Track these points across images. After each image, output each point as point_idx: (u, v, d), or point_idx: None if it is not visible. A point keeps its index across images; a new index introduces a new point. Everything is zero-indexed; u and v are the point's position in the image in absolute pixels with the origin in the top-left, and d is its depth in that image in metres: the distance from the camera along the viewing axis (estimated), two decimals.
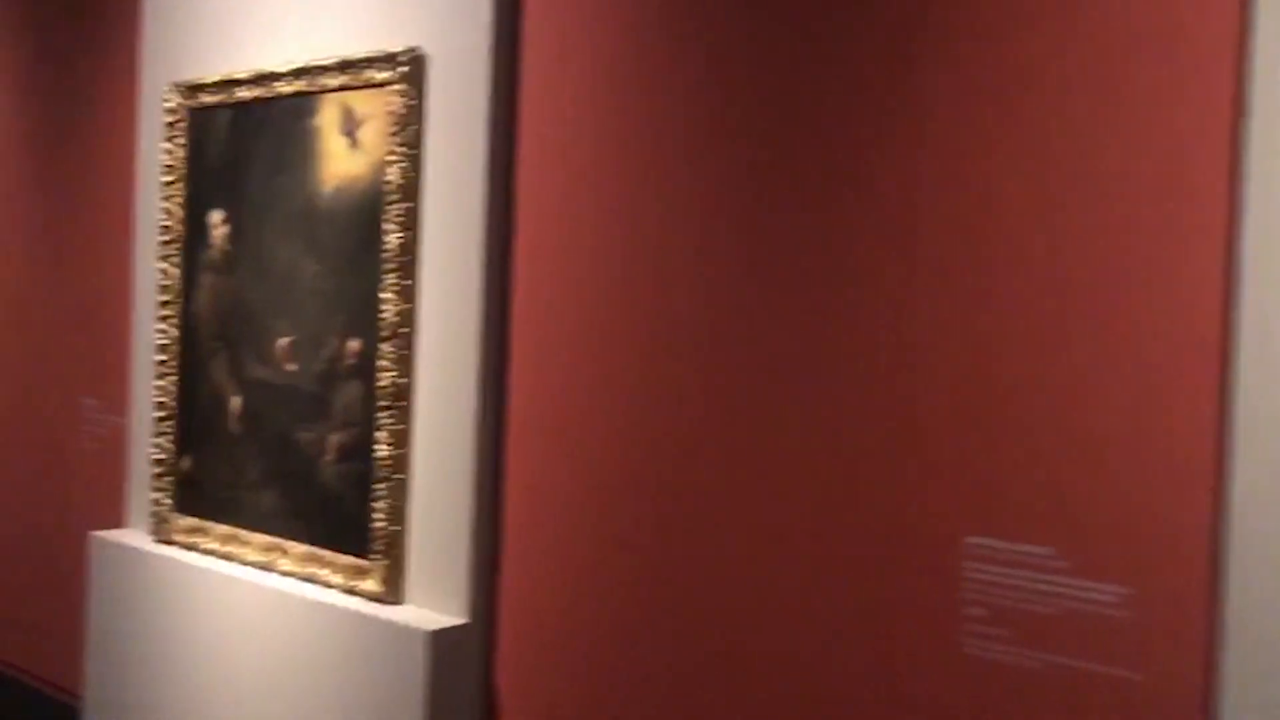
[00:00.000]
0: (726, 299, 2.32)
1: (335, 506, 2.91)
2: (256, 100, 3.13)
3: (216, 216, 3.25)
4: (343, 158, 2.91)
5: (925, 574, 2.03)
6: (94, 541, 3.49)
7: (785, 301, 2.23)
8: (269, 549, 3.06)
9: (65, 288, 4.04)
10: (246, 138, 3.17)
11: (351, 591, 2.85)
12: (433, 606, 2.73)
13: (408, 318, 2.77)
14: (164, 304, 3.37)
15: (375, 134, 2.84)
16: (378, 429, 2.80)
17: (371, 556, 2.81)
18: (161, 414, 3.38)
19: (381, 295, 2.79)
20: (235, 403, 3.18)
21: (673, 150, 2.41)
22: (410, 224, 2.76)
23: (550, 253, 2.61)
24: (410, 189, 2.76)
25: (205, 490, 3.27)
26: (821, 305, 2.18)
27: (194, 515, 3.29)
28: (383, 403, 2.79)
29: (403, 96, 2.76)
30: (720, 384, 2.32)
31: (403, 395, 2.77)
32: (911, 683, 2.04)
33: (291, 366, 3.03)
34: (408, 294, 2.76)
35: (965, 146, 2.01)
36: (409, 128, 2.75)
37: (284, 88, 3.05)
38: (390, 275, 2.78)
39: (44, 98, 4.17)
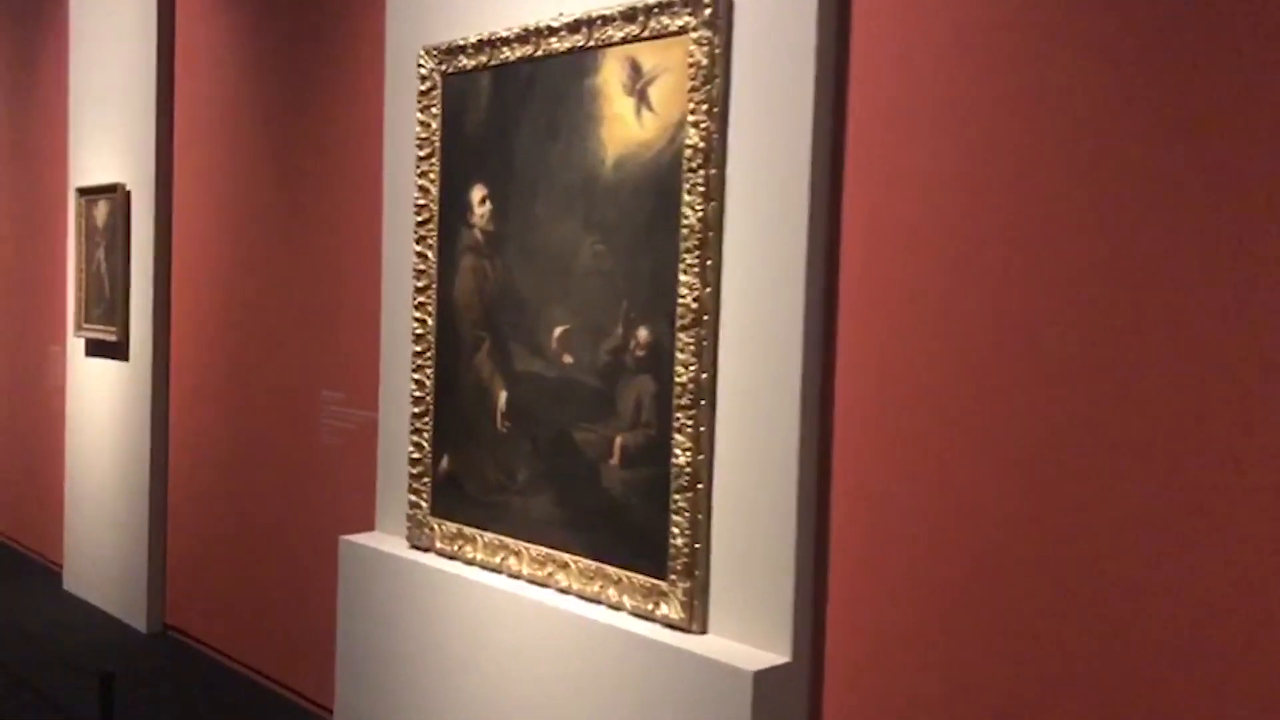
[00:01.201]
0: (1090, 285, 1.84)
1: (623, 517, 2.57)
2: (523, 60, 2.81)
3: (477, 193, 2.95)
4: (628, 121, 2.55)
5: None
6: (344, 546, 3.26)
7: (1148, 296, 1.75)
8: (544, 561, 2.75)
9: (306, 275, 3.84)
10: (511, 104, 2.85)
11: (645, 616, 2.50)
12: (742, 638, 2.35)
13: (710, 302, 2.39)
14: (419, 290, 3.09)
15: (669, 91, 2.46)
16: (675, 430, 2.44)
17: (670, 577, 2.45)
18: (418, 409, 3.11)
19: (680, 277, 2.42)
20: (501, 398, 2.88)
21: (1048, 123, 1.94)
22: (714, 194, 2.38)
23: (886, 225, 2.19)
24: (713, 153, 2.37)
25: (467, 493, 2.98)
26: (1190, 307, 1.69)
27: (455, 520, 3.01)
28: (681, 400, 2.42)
29: (704, 45, 2.37)
30: (1086, 374, 1.86)
31: (704, 392, 2.39)
32: None
33: (568, 358, 2.70)
34: (710, 275, 2.38)
35: None
36: (712, 82, 2.37)
37: (557, 44, 2.71)
38: (689, 254, 2.41)
39: (280, 76, 3.98)
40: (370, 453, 3.44)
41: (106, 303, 4.84)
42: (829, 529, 2.28)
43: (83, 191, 5.02)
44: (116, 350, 4.81)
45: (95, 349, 5.03)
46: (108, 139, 4.90)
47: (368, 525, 3.39)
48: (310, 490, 3.83)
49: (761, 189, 2.31)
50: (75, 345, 5.24)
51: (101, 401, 4.99)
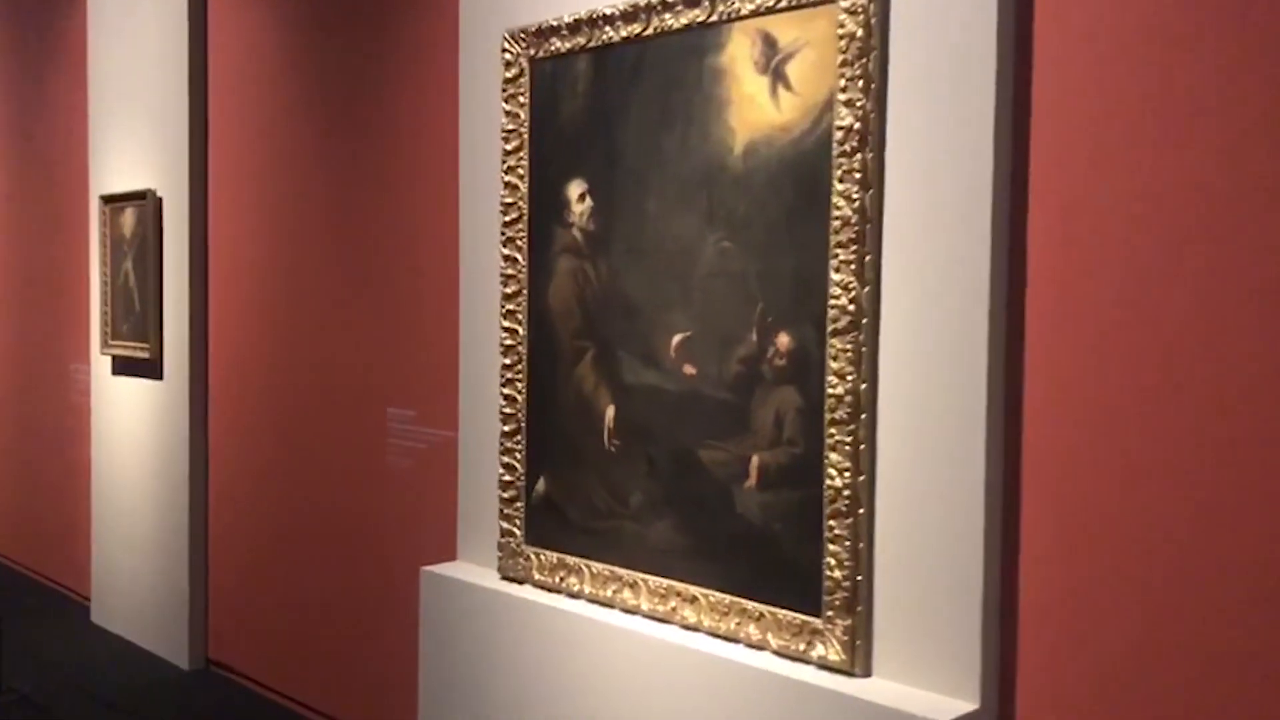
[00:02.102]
0: None
1: (763, 546, 2.30)
2: (630, 40, 2.53)
3: (575, 189, 2.67)
4: (761, 103, 2.28)
5: None
6: (426, 578, 2.98)
7: None
8: (666, 595, 2.47)
9: (365, 284, 3.56)
10: (614, 89, 2.57)
11: (795, 657, 2.23)
12: (913, 681, 2.08)
13: (869, 303, 2.12)
14: (508, 297, 2.82)
15: (813, 68, 2.20)
16: (829, 449, 2.17)
17: (826, 614, 2.18)
18: (508, 428, 2.83)
19: (831, 275, 2.15)
20: (609, 413, 2.61)
21: (1268, 105, 1.68)
22: (872, 181, 2.11)
23: (1081, 214, 1.92)
24: (871, 135, 2.10)
25: (569, 519, 2.71)
26: None
27: (556, 549, 2.73)
28: (835, 414, 2.16)
29: (858, 14, 2.11)
30: None
31: (863, 404, 2.13)
32: None
33: (689, 369, 2.43)
34: (869, 272, 2.11)
35: None
36: (868, 55, 2.10)
37: (672, 20, 2.44)
38: (843, 249, 2.14)
39: (329, 66, 3.70)
40: (446, 475, 3.16)
41: (136, 317, 4.55)
42: (1018, 557, 2.01)
43: (107, 199, 4.72)
44: (149, 368, 4.52)
45: (123, 367, 4.74)
46: (134, 142, 4.60)
47: (445, 554, 3.12)
48: (376, 516, 3.55)
49: (931, 173, 2.04)
50: (100, 363, 4.94)
51: (132, 423, 4.69)
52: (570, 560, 2.69)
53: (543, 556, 2.76)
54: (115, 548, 4.85)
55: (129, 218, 4.58)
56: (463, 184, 3.00)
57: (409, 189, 3.37)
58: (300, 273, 3.85)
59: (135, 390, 4.65)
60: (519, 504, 2.82)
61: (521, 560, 2.80)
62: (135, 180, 4.57)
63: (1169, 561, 1.82)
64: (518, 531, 2.82)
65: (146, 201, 4.43)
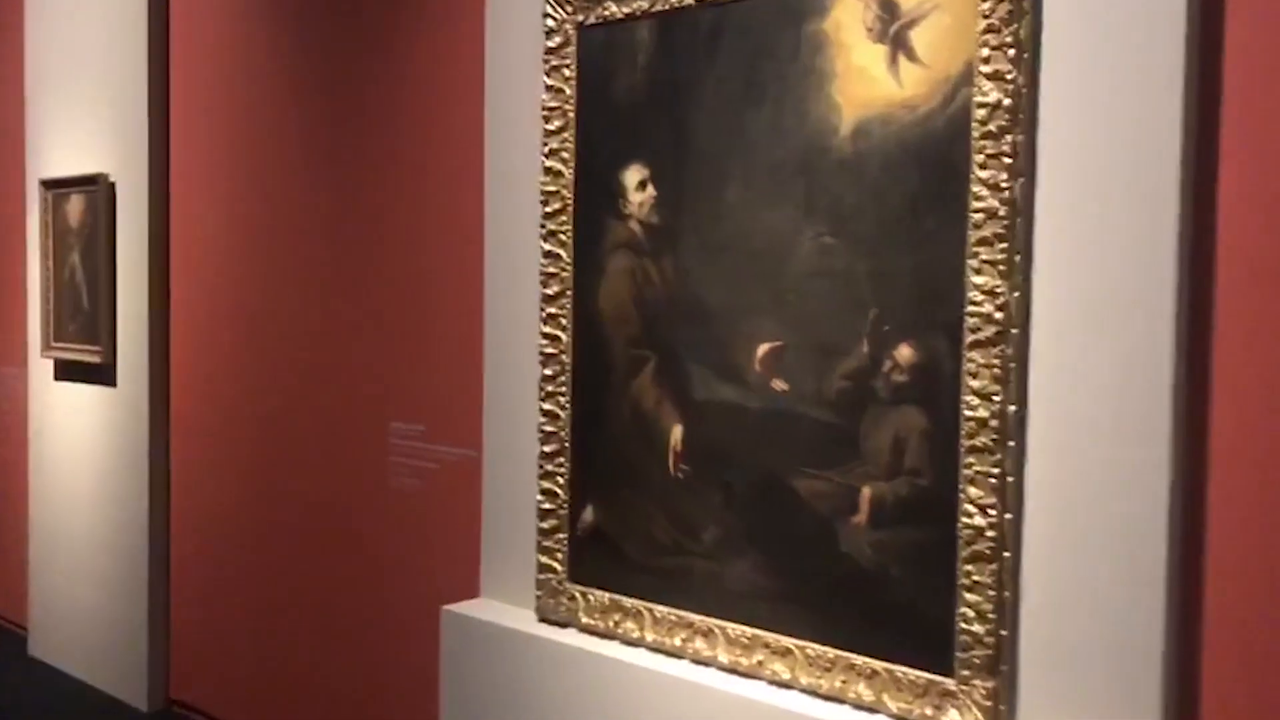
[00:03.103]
0: None
1: (876, 593, 1.97)
2: (704, 4, 2.19)
3: (634, 176, 2.32)
4: (877, 75, 1.96)
5: None
6: (448, 619, 2.61)
7: None
8: (750, 645, 2.14)
9: (360, 281, 3.16)
10: (685, 61, 2.23)
11: None
12: None
13: (1018, 311, 1.80)
14: (550, 298, 2.46)
15: (946, 35, 1.88)
16: (967, 481, 1.85)
17: (961, 673, 1.86)
18: (549, 448, 2.47)
19: (970, 278, 1.84)
20: (676, 434, 2.26)
21: None
22: (1023, 168, 1.79)
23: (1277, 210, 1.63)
24: (1022, 114, 1.79)
25: (625, 554, 2.36)
26: None
27: (609, 589, 2.38)
28: (975, 441, 1.84)
29: None
30: None
31: (1010, 430, 1.81)
32: None
33: (780, 384, 2.09)
34: (1018, 275, 1.80)
35: None
36: (1021, 20, 1.78)
37: None
38: (986, 247, 1.82)
39: (316, 32, 3.29)
40: (464, 499, 2.79)
41: (85, 316, 4.07)
42: (1201, 615, 1.71)
43: (49, 184, 4.23)
44: (100, 373, 4.04)
45: (68, 372, 4.25)
46: (81, 120, 4.11)
47: (464, 590, 2.73)
48: (375, 545, 3.15)
49: (1099, 159, 1.73)
50: (40, 367, 4.44)
51: (78, 434, 4.21)
52: (627, 602, 2.34)
53: (592, 597, 2.40)
54: (57, 574, 4.35)
55: (76, 205, 4.10)
56: (489, 169, 2.62)
57: (416, 174, 2.98)
58: (282, 268, 3.42)
59: (83, 397, 4.17)
60: (561, 535, 2.46)
61: (565, 600, 2.45)
62: (83, 164, 4.08)
63: None
64: (559, 567, 2.46)
65: (98, 187, 3.96)
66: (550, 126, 2.45)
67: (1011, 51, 1.79)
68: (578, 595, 2.43)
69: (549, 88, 2.45)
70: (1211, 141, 1.69)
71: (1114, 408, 1.73)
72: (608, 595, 2.38)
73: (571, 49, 2.42)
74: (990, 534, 1.83)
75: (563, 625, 2.45)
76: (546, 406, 2.47)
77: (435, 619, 2.62)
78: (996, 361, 1.82)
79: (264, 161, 3.47)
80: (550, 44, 2.44)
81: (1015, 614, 1.83)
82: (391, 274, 3.05)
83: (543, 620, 2.49)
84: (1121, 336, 1.72)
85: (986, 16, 1.81)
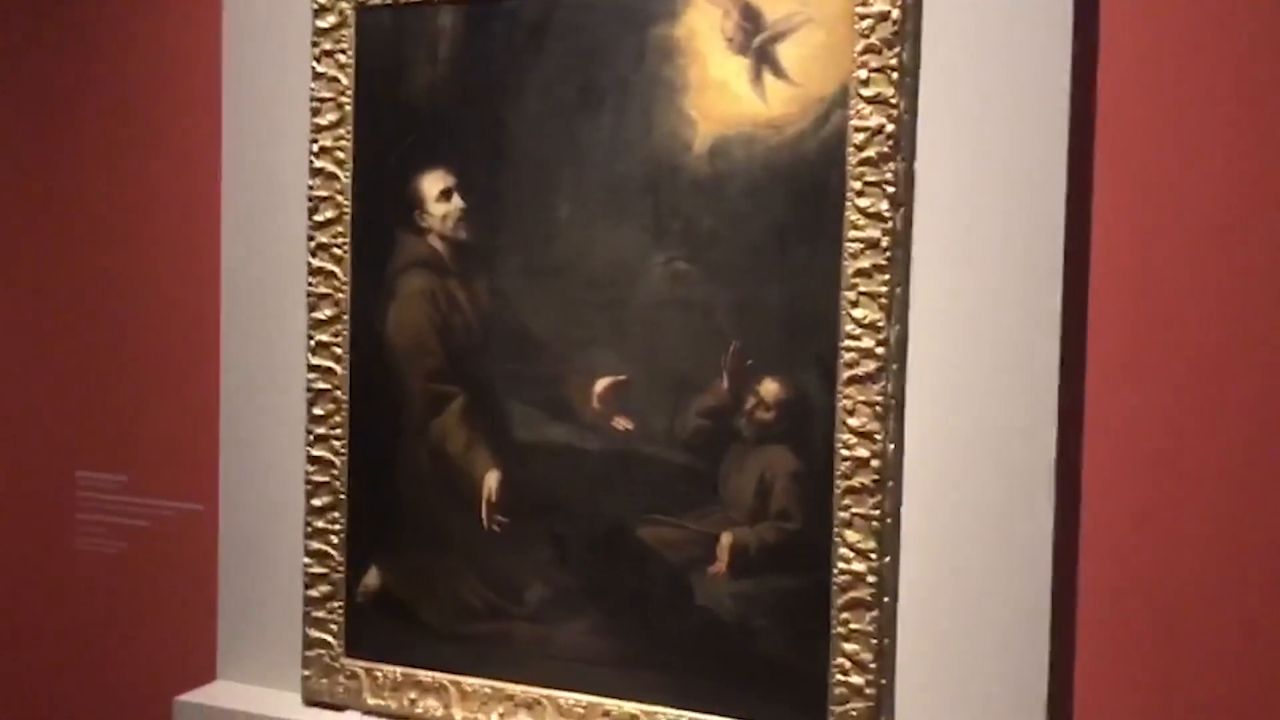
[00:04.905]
0: None
1: (739, 646, 1.82)
2: None
3: (435, 183, 2.02)
4: (737, 91, 1.82)
5: None
6: (182, 711, 2.13)
7: None
8: (585, 715, 1.91)
9: (38, 293, 2.54)
10: (501, 57, 1.97)
11: None
12: None
13: (897, 345, 1.74)
14: (321, 323, 2.08)
15: (819, 52, 1.77)
16: (843, 525, 1.75)
17: None
18: (319, 501, 2.09)
19: (848, 311, 1.74)
20: (491, 480, 1.98)
21: None
22: (903, 197, 1.73)
23: (1160, 239, 1.69)
24: (903, 140, 1.72)
25: (422, 622, 2.04)
26: None
27: (399, 662, 2.04)
28: (851, 481, 1.75)
29: None
30: None
31: (889, 469, 1.74)
32: None
33: (623, 423, 1.89)
34: (897, 308, 1.73)
35: None
36: (904, 42, 1.72)
37: None
38: (864, 279, 1.74)
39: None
40: (187, 563, 2.31)
41: None
42: (1074, 659, 1.72)
43: None
44: None
45: None
46: None
47: (198, 672, 2.25)
48: (55, 625, 2.53)
49: (981, 187, 1.70)
50: None
51: None
52: (425, 676, 2.02)
53: (379, 673, 2.05)
54: None
55: None
56: (225, 164, 2.19)
57: (124, 160, 2.43)
58: None
59: None
60: (336, 603, 2.09)
61: (343, 679, 2.07)
62: None
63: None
64: (334, 641, 2.09)
65: None
66: (322, 120, 2.07)
67: (895, 75, 1.72)
68: (359, 672, 2.07)
69: (319, 75, 2.08)
70: (1089, 173, 1.70)
71: (994, 445, 1.70)
72: (399, 670, 2.04)
73: (349, 31, 2.06)
74: (870, 579, 1.74)
75: (339, 708, 2.08)
76: (316, 452, 2.09)
77: (167, 710, 2.14)
78: (879, 398, 1.73)
79: None
80: (322, 24, 2.07)
81: (892, 665, 1.76)
82: (80, 287, 2.47)
83: (312, 704, 2.10)
84: (1003, 372, 1.69)
85: (866, 36, 1.73)
